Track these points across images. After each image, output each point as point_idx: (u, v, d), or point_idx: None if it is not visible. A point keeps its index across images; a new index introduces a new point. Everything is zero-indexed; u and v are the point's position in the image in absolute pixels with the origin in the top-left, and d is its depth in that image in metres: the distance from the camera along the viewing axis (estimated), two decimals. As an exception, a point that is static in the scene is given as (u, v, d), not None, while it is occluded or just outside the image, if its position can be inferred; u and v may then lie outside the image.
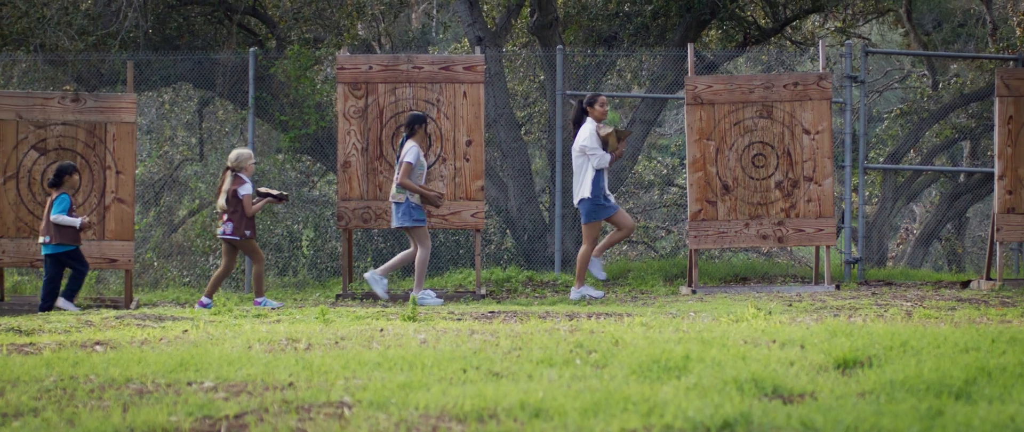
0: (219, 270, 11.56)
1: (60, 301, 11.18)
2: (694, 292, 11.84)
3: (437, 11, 21.89)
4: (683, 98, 12.79)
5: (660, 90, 16.39)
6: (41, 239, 11.28)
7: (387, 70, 12.45)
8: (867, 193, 20.94)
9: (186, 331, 8.03)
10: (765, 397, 5.13)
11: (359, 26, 17.76)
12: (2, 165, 12.16)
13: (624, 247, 21.55)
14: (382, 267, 11.62)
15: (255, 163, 11.86)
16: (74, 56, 15.09)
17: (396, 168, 11.43)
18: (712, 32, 17.75)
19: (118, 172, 12.19)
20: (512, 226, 16.14)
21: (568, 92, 14.69)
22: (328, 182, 18.96)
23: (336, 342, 6.95)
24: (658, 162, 21.51)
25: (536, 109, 19.11)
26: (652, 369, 5.69)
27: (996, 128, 12.42)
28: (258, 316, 9.66)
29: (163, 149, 19.52)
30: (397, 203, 11.38)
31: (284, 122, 15.28)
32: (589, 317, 8.81)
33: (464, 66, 12.43)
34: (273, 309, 10.83)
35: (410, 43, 20.43)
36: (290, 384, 5.51)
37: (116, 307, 11.53)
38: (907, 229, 24.56)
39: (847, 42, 14.57)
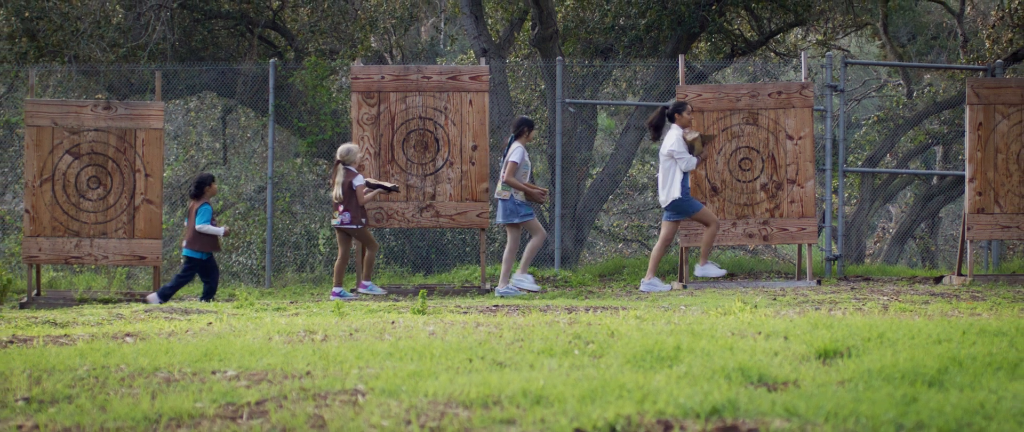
0: (338, 260, 11.57)
1: (150, 296, 11.47)
2: (685, 287, 11.84)
3: (445, 25, 21.89)
4: (674, 106, 12.75)
5: (653, 98, 16.38)
6: (184, 243, 11.55)
7: (398, 80, 12.44)
8: (846, 194, 20.95)
9: (210, 323, 8.03)
10: (751, 385, 5.12)
11: (372, 39, 17.77)
12: (39, 168, 12.17)
13: (619, 245, 21.56)
14: (517, 270, 11.43)
15: (362, 157, 11.84)
16: (106, 66, 15.11)
17: (502, 168, 11.43)
18: (701, 44, 17.74)
19: (147, 175, 12.19)
20: (515, 225, 16.13)
21: (567, 100, 14.67)
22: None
23: (351, 334, 6.95)
24: (651, 166, 21.51)
25: (537, 116, 19.10)
26: (645, 359, 5.68)
27: (967, 134, 12.41)
28: (277, 310, 9.66)
29: (189, 153, 19.55)
30: (502, 200, 11.37)
31: (302, 128, 15.29)
32: (586, 311, 8.81)
33: (470, 76, 12.43)
34: (376, 297, 11.03)
35: (420, 54, 20.44)
36: (308, 373, 5.51)
37: (145, 301, 11.54)
38: (883, 228, 24.55)
39: (827, 53, 14.56)
